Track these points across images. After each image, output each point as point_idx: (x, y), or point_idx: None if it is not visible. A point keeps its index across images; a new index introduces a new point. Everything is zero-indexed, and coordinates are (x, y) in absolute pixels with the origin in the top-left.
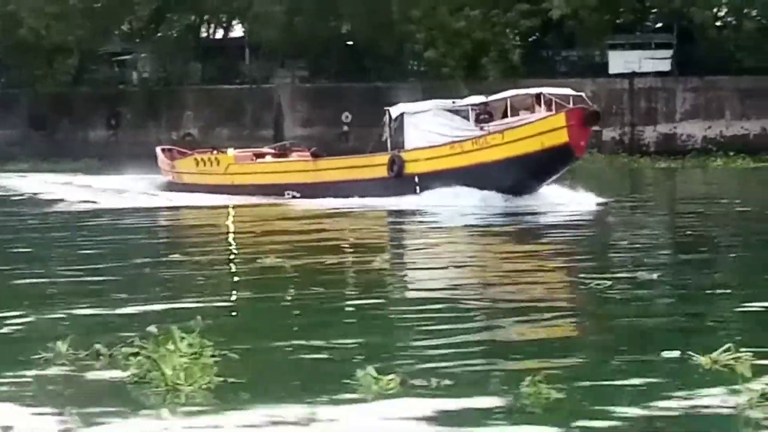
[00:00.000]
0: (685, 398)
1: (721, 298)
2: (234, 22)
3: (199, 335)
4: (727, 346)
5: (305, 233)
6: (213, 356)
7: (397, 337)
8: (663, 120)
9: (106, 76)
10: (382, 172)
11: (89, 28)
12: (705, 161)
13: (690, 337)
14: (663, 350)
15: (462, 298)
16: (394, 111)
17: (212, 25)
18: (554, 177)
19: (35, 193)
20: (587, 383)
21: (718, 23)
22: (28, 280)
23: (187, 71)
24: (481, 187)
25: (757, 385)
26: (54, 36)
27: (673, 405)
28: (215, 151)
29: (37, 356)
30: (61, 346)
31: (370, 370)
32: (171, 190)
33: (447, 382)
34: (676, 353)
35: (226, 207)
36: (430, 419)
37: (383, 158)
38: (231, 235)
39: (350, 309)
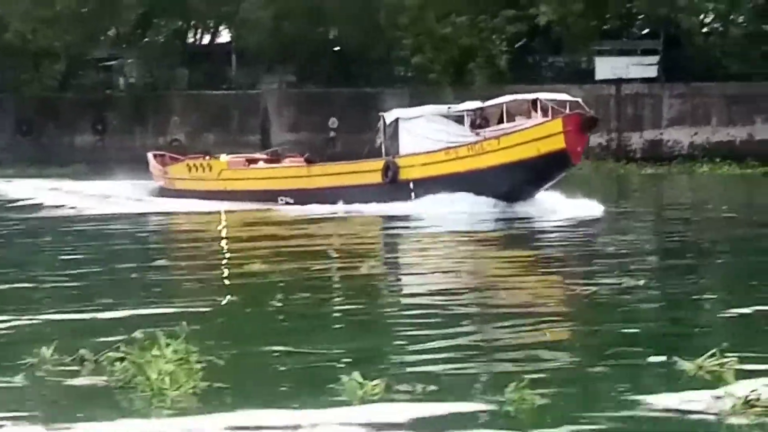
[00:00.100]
0: (671, 404)
1: (707, 303)
2: (221, 28)
3: (184, 341)
4: (712, 351)
5: (294, 239)
6: (199, 362)
7: (383, 343)
8: (649, 126)
9: (92, 82)
10: (377, 178)
11: (76, 33)
12: (691, 167)
13: (676, 342)
14: (649, 356)
15: (448, 304)
16: (389, 116)
17: (199, 31)
18: (550, 183)
19: (23, 199)
20: (572, 389)
21: (704, 30)
22: (13, 285)
23: (173, 77)
24: (477, 193)
25: (742, 390)
26: (41, 40)
27: (658, 411)
28: (208, 157)
29: (21, 362)
30: (46, 351)
31: (355, 375)
32: (163, 196)
33: (432, 387)
34: (661, 359)
35: (217, 213)
36: (414, 425)
37: (377, 164)
38: (219, 241)
39: (336, 314)
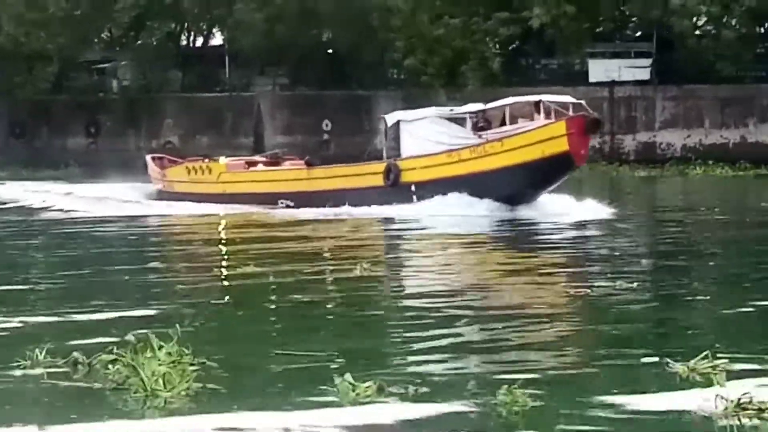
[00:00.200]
0: (663, 406)
1: (700, 304)
2: (214, 30)
3: (177, 343)
4: (704, 353)
5: (289, 241)
6: (192, 364)
7: (376, 344)
8: (642, 128)
9: (85, 84)
10: (378, 180)
11: (69, 35)
12: (684, 170)
13: (668, 343)
14: (641, 357)
15: (442, 306)
16: (390, 119)
17: (192, 33)
18: (553, 186)
19: (17, 201)
20: (564, 390)
21: (697, 32)
22: (6, 287)
23: (167, 79)
24: (479, 196)
25: (734, 392)
26: (33, 43)
27: (650, 413)
28: (207, 160)
29: (14, 364)
30: (39, 353)
31: (348, 376)
32: (161, 199)
33: (424, 389)
34: (654, 360)
35: (214, 215)
36: (405, 426)
37: (379, 167)
38: (214, 243)
39: (329, 316)
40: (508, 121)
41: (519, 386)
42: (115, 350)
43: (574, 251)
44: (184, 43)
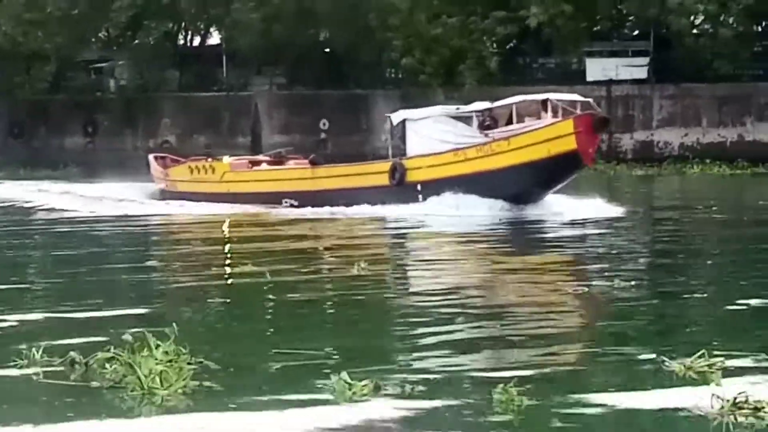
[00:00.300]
0: (659, 405)
1: (697, 303)
2: (211, 30)
3: (174, 342)
4: (701, 352)
5: (288, 240)
6: (189, 363)
7: (372, 343)
8: (640, 127)
9: (83, 84)
10: (384, 180)
11: (66, 35)
12: (682, 168)
13: (665, 342)
14: (638, 355)
15: (439, 304)
16: (396, 117)
17: (189, 33)
18: (560, 185)
19: (15, 200)
20: (561, 388)
21: (694, 31)
22: (3, 286)
23: (164, 78)
24: (486, 196)
25: (730, 391)
26: (31, 43)
27: (646, 412)
28: (210, 159)
29: (12, 363)
30: (36, 352)
31: (344, 375)
32: (164, 199)
33: (420, 387)
34: (650, 359)
35: (215, 214)
36: (401, 425)
37: (384, 166)
38: (213, 242)
39: (326, 315)
40: (515, 120)
41: (514, 384)
42: (112, 349)
43: (573, 249)
44: (182, 42)
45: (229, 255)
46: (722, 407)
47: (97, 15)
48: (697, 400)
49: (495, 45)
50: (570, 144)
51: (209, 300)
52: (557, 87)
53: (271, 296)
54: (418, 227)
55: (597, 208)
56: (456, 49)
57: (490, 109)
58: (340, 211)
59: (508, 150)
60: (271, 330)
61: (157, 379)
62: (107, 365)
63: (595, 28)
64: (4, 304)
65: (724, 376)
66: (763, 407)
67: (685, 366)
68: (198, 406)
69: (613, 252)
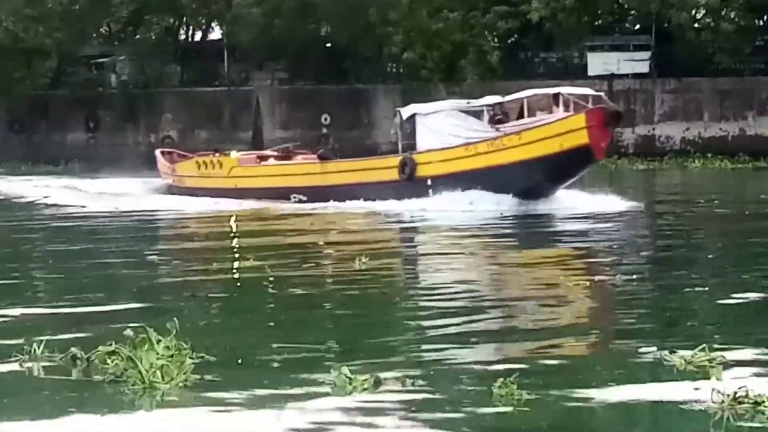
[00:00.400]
0: (659, 399)
1: (698, 296)
2: (213, 25)
3: (175, 337)
4: (702, 346)
5: (291, 234)
6: (191, 358)
7: (372, 337)
8: (641, 122)
9: (84, 79)
10: (393, 174)
11: (67, 30)
12: (683, 163)
13: (666, 336)
14: (638, 349)
15: (439, 298)
16: (406, 112)
17: (191, 28)
18: (572, 180)
19: (16, 195)
20: (561, 382)
21: (696, 25)
22: (4, 281)
23: (165, 74)
24: (497, 190)
25: (731, 385)
26: (32, 38)
27: (647, 405)
28: (218, 154)
29: (13, 359)
30: (37, 347)
31: (344, 369)
32: (172, 194)
33: (421, 381)
34: (651, 353)
35: (221, 209)
36: (401, 419)
37: (394, 160)
38: (216, 237)
39: (327, 309)
40: (526, 114)
41: (515, 378)
42: (114, 344)
43: (576, 243)
44: (183, 37)
45: (231, 249)
46: (722, 401)
47: (97, 10)
48: (697, 394)
49: (496, 40)
50: (582, 138)
51: (211, 295)
52: (559, 81)
53: (272, 290)
54: (423, 221)
55: (606, 202)
56: (457, 43)
57: (500, 104)
58: (349, 206)
59: (520, 144)
60: (272, 324)
61: (158, 373)
62: (108, 360)
63: (596, 23)
64: (4, 299)
65: (724, 370)
66: (764, 401)
67: (685, 360)
68: (199, 399)
69: (615, 246)
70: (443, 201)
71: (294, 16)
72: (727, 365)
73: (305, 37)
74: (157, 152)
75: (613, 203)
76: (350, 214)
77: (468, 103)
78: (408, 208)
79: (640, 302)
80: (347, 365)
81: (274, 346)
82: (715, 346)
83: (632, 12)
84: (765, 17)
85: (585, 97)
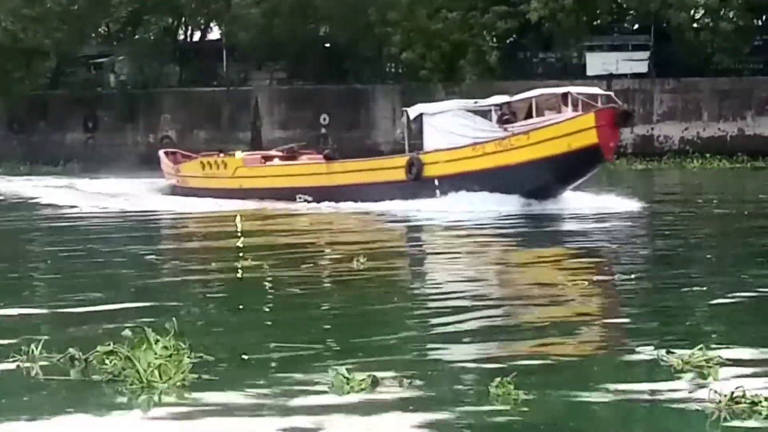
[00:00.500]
0: (656, 399)
1: (697, 296)
2: (212, 25)
3: (173, 337)
4: (699, 346)
5: (291, 235)
6: (189, 357)
7: (370, 337)
8: (640, 121)
9: (83, 79)
10: (400, 175)
11: (66, 30)
12: (682, 162)
13: (664, 335)
14: (636, 349)
15: (437, 298)
16: (413, 111)
17: (189, 28)
18: (580, 180)
19: (15, 195)
20: (558, 382)
21: (695, 25)
22: (2, 281)
23: (164, 74)
24: (505, 191)
25: (728, 385)
26: (31, 38)
27: (644, 405)
28: (222, 154)
29: (11, 359)
30: (35, 348)
31: (342, 369)
32: (175, 194)
33: (418, 381)
34: (648, 352)
35: (224, 210)
36: (398, 418)
37: (401, 160)
38: (217, 237)
39: (324, 309)
40: (534, 114)
41: (512, 378)
42: (112, 344)
43: (575, 243)
44: (182, 37)
45: (231, 249)
46: (720, 401)
47: (96, 10)
48: (694, 393)
49: (495, 40)
50: (591, 138)
51: (209, 294)
52: (558, 81)
53: (270, 290)
54: (424, 221)
55: (610, 202)
56: (456, 43)
57: (509, 103)
58: (356, 206)
59: (528, 144)
60: (270, 323)
61: (156, 373)
62: (107, 360)
63: (595, 23)
64: (2, 299)
65: (722, 368)
66: (761, 401)
67: (682, 360)
68: (197, 398)
69: (614, 245)
70: (450, 201)
71: (293, 16)
72: (725, 365)
73: (304, 37)
74: (161, 153)
75: (613, 203)
76: (355, 214)
77: (476, 102)
78: (414, 208)
79: (637, 302)
80: (345, 365)
81: (272, 345)
82: (713, 345)
83: (631, 12)
84: (764, 17)
85: (594, 96)
